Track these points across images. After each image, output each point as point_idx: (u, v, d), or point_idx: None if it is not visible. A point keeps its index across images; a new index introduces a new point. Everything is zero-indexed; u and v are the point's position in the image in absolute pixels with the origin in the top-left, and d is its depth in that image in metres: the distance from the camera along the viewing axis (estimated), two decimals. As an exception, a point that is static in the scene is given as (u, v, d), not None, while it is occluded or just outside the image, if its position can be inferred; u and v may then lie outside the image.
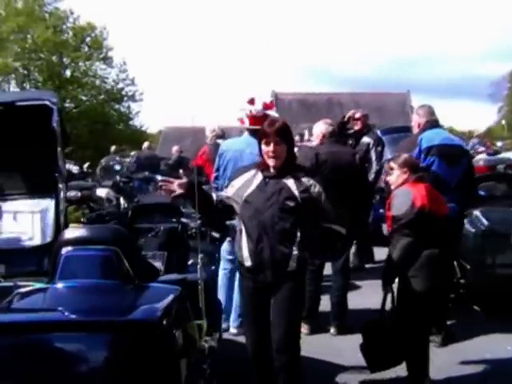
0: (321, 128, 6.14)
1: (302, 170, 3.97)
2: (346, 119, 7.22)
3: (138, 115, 36.16)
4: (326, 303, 6.12)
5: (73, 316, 2.43)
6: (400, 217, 4.34)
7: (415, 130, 5.88)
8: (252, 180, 3.91)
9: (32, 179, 5.16)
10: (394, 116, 27.01)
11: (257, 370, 3.99)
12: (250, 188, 3.88)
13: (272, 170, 3.84)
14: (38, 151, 4.91)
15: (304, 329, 5.93)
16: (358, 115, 7.50)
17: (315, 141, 6.30)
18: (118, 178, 11.55)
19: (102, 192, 10.25)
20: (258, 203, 3.80)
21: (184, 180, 3.93)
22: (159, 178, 11.55)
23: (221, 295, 6.00)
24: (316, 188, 3.84)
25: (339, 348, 5.27)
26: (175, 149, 13.94)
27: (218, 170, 5.98)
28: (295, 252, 3.79)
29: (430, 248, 4.39)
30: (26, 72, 31.87)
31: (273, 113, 5.99)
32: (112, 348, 2.39)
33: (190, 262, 4.71)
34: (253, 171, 3.97)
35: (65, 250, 2.77)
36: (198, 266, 3.04)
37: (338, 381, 4.81)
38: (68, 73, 33.47)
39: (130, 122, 36.05)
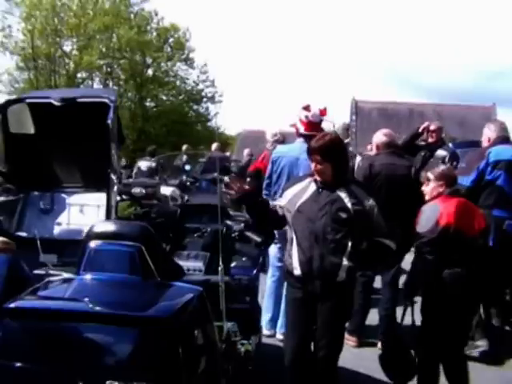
0: (376, 139, 6.12)
1: (356, 183, 4.02)
2: (420, 130, 7.16)
3: (216, 116, 36.74)
4: (374, 317, 6.13)
5: (89, 307, 2.53)
6: (423, 234, 4.26)
7: (484, 144, 5.88)
8: (306, 190, 3.98)
9: (87, 173, 5.38)
10: (478, 130, 26.00)
11: (291, 378, 4.04)
12: (303, 197, 3.95)
13: (328, 183, 3.90)
14: (93, 146, 5.10)
15: (352, 341, 5.93)
16: (433, 127, 7.36)
17: (373, 151, 6.29)
18: (184, 177, 11.80)
19: (166, 190, 10.43)
20: (310, 213, 3.86)
21: (247, 186, 4.00)
22: (227, 179, 11.74)
23: (269, 302, 6.06)
24: (369, 201, 3.87)
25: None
26: (246, 152, 14.08)
27: (270, 177, 6.03)
28: (345, 263, 3.82)
29: (454, 266, 4.32)
30: (109, 70, 32.88)
31: (326, 120, 6.03)
32: (124, 341, 2.47)
33: (232, 264, 4.77)
34: (307, 181, 4.04)
35: (91, 244, 2.89)
36: (220, 269, 3.06)
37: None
38: (150, 72, 34.23)
39: (208, 124, 36.57)
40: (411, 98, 71.87)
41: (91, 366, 2.44)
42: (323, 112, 5.95)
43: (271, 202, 4.28)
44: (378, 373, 5.11)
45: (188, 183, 11.63)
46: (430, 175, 4.52)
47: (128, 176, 13.24)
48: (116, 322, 2.46)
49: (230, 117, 41.00)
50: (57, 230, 5.51)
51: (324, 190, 3.90)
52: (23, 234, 5.23)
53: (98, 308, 2.53)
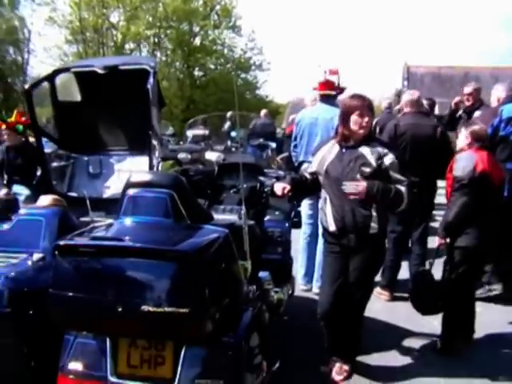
0: (403, 99, 6.43)
1: (376, 140, 4.38)
2: (453, 107, 7.48)
3: (264, 85, 36.89)
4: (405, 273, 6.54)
5: (126, 244, 2.97)
6: (462, 177, 4.72)
7: (494, 104, 6.38)
8: (330, 151, 4.39)
9: (130, 137, 5.81)
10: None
11: (326, 327, 4.46)
12: (328, 159, 4.34)
13: (351, 141, 4.26)
14: (135, 111, 5.52)
15: (384, 295, 6.31)
16: (468, 90, 7.55)
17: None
18: (229, 142, 12.16)
19: (212, 155, 10.82)
20: (336, 172, 4.25)
21: (288, 187, 4.42)
22: (273, 145, 12.11)
23: (303, 258, 6.47)
24: (389, 157, 4.21)
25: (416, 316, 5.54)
26: (291, 118, 14.40)
27: (295, 139, 6.48)
28: (374, 214, 4.20)
29: (485, 210, 4.78)
30: (156, 40, 33.28)
31: (336, 78, 6.39)
32: (156, 272, 2.90)
33: (266, 218, 5.18)
34: (330, 143, 4.46)
35: (129, 191, 3.35)
36: (242, 212, 3.46)
37: (407, 345, 5.24)
38: (197, 41, 34.46)
39: (257, 92, 36.73)
40: (467, 61, 70.06)
41: (129, 293, 2.88)
42: (334, 71, 6.35)
43: (302, 173, 4.71)
44: (409, 323, 5.52)
45: (233, 149, 11.97)
46: (464, 130, 4.91)
47: (177, 144, 13.73)
48: (149, 256, 2.88)
49: (279, 85, 41.12)
50: (104, 190, 5.99)
51: (347, 150, 4.29)
52: (73, 194, 5.72)
53: (133, 244, 2.97)
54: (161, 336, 3.07)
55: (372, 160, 4.19)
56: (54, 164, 6.94)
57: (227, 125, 15.05)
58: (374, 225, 4.18)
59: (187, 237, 3.15)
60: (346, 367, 4.56)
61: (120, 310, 2.85)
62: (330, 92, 6.45)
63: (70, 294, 2.95)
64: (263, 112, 16.01)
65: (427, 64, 31.70)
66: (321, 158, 4.46)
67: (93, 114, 5.93)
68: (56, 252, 3.02)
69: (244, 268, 3.44)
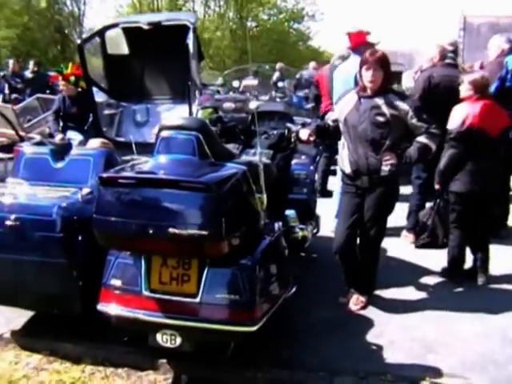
0: (433, 51, 6.67)
1: (392, 92, 4.77)
2: None
3: (317, 35, 36.71)
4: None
5: (157, 176, 3.49)
6: (450, 131, 5.10)
7: (493, 55, 6.71)
8: (350, 101, 4.82)
9: (173, 87, 6.27)
10: None
11: (341, 259, 4.91)
12: (348, 108, 4.78)
13: (368, 92, 4.68)
14: (177, 63, 5.97)
15: (410, 238, 6.70)
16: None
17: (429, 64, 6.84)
18: (273, 92, 12.53)
19: (252, 104, 11.22)
20: (353, 120, 4.70)
21: (311, 131, 4.93)
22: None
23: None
24: (403, 106, 4.60)
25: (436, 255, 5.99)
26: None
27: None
28: (387, 158, 4.62)
29: (476, 159, 5.14)
30: (209, -9, 33.37)
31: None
32: (182, 200, 3.40)
33: (293, 162, 5.63)
34: (351, 94, 4.89)
35: (162, 133, 3.87)
36: (258, 151, 3.93)
37: (424, 282, 5.68)
38: (250, -9, 34.43)
39: (309, 42, 36.62)
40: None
41: (158, 218, 3.41)
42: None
43: (326, 120, 5.11)
44: (429, 263, 5.96)
45: (278, 99, 12.34)
46: (465, 79, 5.21)
47: (227, 93, 14.13)
48: (176, 187, 3.38)
49: (333, 35, 40.53)
50: (148, 135, 6.50)
51: (364, 99, 4.71)
52: (121, 139, 6.26)
53: (163, 176, 3.49)
54: (185, 254, 3.59)
55: (386, 110, 4.61)
56: (105, 112, 7.53)
57: (276, 75, 15.39)
58: (384, 168, 4.62)
59: (209, 171, 3.64)
60: (362, 299, 5.04)
61: (151, 231, 3.38)
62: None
63: (111, 218, 3.48)
64: (311, 64, 16.23)
65: (485, 14, 30.67)
66: (341, 106, 4.92)
67: (139, 66, 6.40)
68: (99, 182, 3.57)
69: (261, 201, 3.89)
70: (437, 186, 5.53)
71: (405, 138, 4.73)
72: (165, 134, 3.85)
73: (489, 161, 5.25)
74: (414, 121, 4.62)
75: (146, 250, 3.64)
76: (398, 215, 6.68)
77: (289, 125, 5.45)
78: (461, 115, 5.19)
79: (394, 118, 4.60)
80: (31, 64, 13.83)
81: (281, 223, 4.88)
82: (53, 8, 31.45)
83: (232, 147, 5.21)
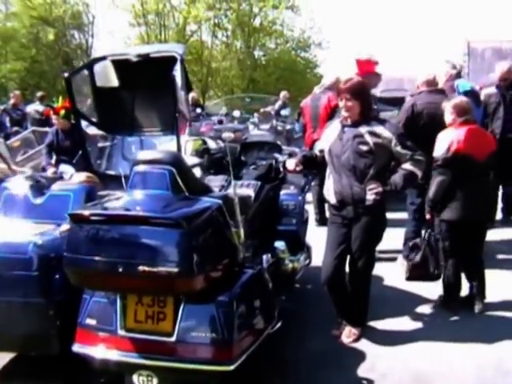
0: (420, 77, 6.60)
1: (376, 120, 4.66)
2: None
3: (324, 63, 36.79)
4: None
5: (126, 212, 3.40)
6: (437, 158, 5.01)
7: (442, 80, 6.91)
8: (334, 131, 4.75)
9: (162, 119, 6.19)
10: None
11: (329, 292, 4.78)
12: (332, 138, 4.71)
13: (349, 121, 4.59)
14: (166, 95, 5.88)
15: (406, 266, 6.50)
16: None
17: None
18: (274, 121, 12.48)
19: (227, 134, 11.13)
20: (337, 149, 4.62)
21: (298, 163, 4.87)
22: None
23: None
24: (386, 134, 4.50)
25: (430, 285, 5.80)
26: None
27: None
28: (371, 187, 4.51)
29: (465, 185, 5.04)
30: (216, 21, 33.67)
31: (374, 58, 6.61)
32: (152, 237, 3.31)
33: (281, 192, 5.52)
34: (335, 123, 4.82)
35: (135, 168, 3.78)
36: (232, 183, 3.82)
37: (419, 311, 5.52)
38: (257, 22, 34.65)
39: (317, 70, 36.68)
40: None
41: (128, 255, 3.30)
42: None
43: (313, 151, 5.03)
44: (424, 291, 5.79)
45: (279, 127, 12.28)
46: (447, 105, 5.12)
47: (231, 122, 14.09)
48: (146, 223, 3.30)
49: (339, 63, 40.59)
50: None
51: (347, 128, 4.62)
52: (111, 172, 6.18)
53: (132, 213, 3.39)
54: (157, 292, 3.48)
55: (368, 139, 4.50)
56: (100, 144, 7.47)
57: (278, 104, 15.37)
58: (369, 197, 4.50)
59: (181, 206, 3.54)
60: (355, 331, 4.88)
61: (121, 269, 3.27)
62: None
63: (81, 256, 3.39)
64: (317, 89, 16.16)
65: (488, 39, 30.63)
66: (326, 136, 4.83)
67: (128, 98, 6.33)
68: (70, 220, 3.47)
69: (238, 235, 3.78)
70: (427, 216, 5.40)
71: (390, 165, 4.61)
72: (138, 168, 3.76)
73: (478, 187, 5.14)
74: (399, 148, 4.51)
75: (117, 289, 3.55)
76: (396, 241, 6.65)
77: (276, 155, 5.36)
78: (446, 141, 5.11)
79: (378, 147, 4.50)
80: (37, 98, 13.87)
81: (269, 255, 4.82)
82: (61, 40, 31.77)
83: (220, 179, 5.15)
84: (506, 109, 7.71)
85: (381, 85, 9.72)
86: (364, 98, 4.62)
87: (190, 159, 5.62)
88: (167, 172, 3.68)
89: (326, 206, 5.59)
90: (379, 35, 65.42)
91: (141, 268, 3.24)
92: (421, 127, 6.21)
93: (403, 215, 6.93)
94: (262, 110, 13.53)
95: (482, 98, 7.75)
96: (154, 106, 6.23)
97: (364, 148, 4.49)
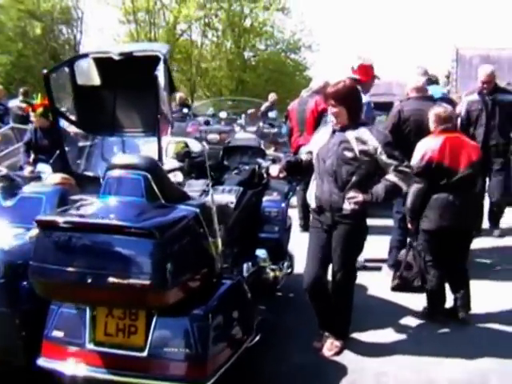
0: (409, 83, 6.47)
1: (365, 126, 4.47)
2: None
3: (314, 66, 36.73)
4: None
5: (95, 220, 3.21)
6: (412, 167, 4.81)
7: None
8: (325, 134, 4.59)
9: (144, 120, 6.00)
10: None
11: (311, 300, 4.60)
12: (322, 142, 4.54)
13: (338, 126, 4.42)
14: (148, 96, 5.69)
15: (391, 275, 6.35)
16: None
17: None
18: (261, 123, 12.28)
19: (241, 136, 10.92)
20: (323, 153, 4.45)
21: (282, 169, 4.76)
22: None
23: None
24: (372, 142, 4.32)
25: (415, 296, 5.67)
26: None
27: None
28: (350, 196, 4.33)
29: (443, 194, 4.98)
30: (207, 21, 33.51)
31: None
32: (123, 247, 3.13)
33: (264, 199, 5.34)
34: (327, 127, 4.66)
35: (109, 173, 3.58)
36: (210, 192, 3.64)
37: (403, 323, 5.37)
38: (247, 23, 34.57)
39: (306, 73, 36.66)
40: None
41: (98, 266, 3.11)
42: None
43: (298, 155, 4.90)
44: (410, 302, 5.63)
45: (265, 130, 12.08)
46: (429, 114, 5.03)
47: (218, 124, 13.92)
48: (116, 232, 3.11)
49: (329, 65, 40.45)
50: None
51: (337, 133, 4.45)
52: (89, 174, 5.98)
53: (101, 221, 3.19)
54: (127, 305, 3.29)
55: (354, 145, 4.32)
56: (81, 144, 7.26)
57: (265, 105, 15.21)
58: (346, 206, 4.33)
59: (156, 215, 3.36)
60: (337, 343, 4.69)
61: (90, 280, 3.07)
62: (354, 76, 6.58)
63: (47, 266, 3.19)
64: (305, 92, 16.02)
65: (477, 46, 30.79)
66: (317, 139, 4.67)
67: (110, 98, 6.14)
68: (37, 226, 3.27)
69: (215, 245, 3.60)
70: (409, 225, 5.31)
71: (375, 175, 4.44)
72: (112, 173, 3.56)
73: (459, 195, 5.01)
74: (384, 157, 4.34)
75: (85, 301, 3.35)
76: (381, 249, 6.54)
77: (259, 160, 5.19)
78: (420, 150, 5.05)
79: (363, 154, 4.33)
80: (20, 93, 13.54)
81: (250, 264, 4.68)
82: (48, 35, 31.41)
83: (201, 184, 4.98)
84: (488, 116, 7.60)
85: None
86: (350, 102, 4.44)
87: (171, 163, 5.43)
88: (142, 178, 3.48)
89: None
90: (369, 39, 65.74)
91: (111, 279, 3.06)
92: (407, 134, 6.10)
93: (389, 222, 6.79)
94: (249, 112, 13.34)
95: (464, 105, 7.64)
96: (135, 106, 6.04)
97: (348, 154, 4.32)
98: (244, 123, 12.22)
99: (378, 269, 6.59)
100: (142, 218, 3.26)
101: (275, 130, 12.41)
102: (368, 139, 4.34)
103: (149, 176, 3.49)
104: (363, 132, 4.38)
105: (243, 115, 13.78)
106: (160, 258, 3.10)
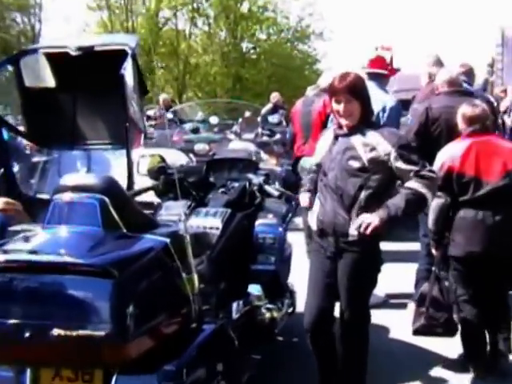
0: (439, 76, 6.41)
1: (375, 127, 4.37)
2: None
3: (325, 57, 36.66)
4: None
5: (34, 258, 3.08)
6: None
7: (425, 81, 6.99)
8: (327, 141, 4.49)
9: (111, 129, 5.93)
10: None
11: (312, 343, 4.52)
12: (324, 150, 4.46)
13: (344, 129, 4.32)
14: (115, 100, 5.63)
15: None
16: None
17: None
18: (259, 129, 12.20)
19: (237, 146, 10.76)
20: (326, 165, 4.35)
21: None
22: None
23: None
24: (384, 146, 4.17)
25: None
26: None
27: None
28: (360, 219, 4.20)
29: (472, 212, 4.89)
30: (196, 6, 33.61)
31: (388, 55, 6.43)
32: (70, 290, 3.03)
33: (257, 222, 5.26)
34: (329, 131, 4.58)
35: (56, 196, 3.49)
36: (182, 218, 3.56)
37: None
38: (244, 7, 34.64)
39: (317, 66, 36.58)
40: None
41: (38, 315, 3.00)
42: (388, 47, 6.47)
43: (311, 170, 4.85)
44: (444, 350, 5.56)
45: (264, 137, 12.01)
46: (459, 114, 4.97)
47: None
48: (62, 271, 3.01)
49: (344, 57, 40.36)
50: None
51: (340, 138, 4.35)
52: (42, 196, 5.89)
53: (42, 259, 3.09)
54: (78, 364, 3.19)
55: (362, 152, 4.20)
56: (35, 159, 7.19)
57: (266, 108, 15.17)
58: (352, 231, 4.22)
59: (114, 248, 3.26)
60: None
61: (28, 334, 2.98)
62: (378, 71, 6.54)
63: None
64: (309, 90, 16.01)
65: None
66: (319, 148, 4.60)
67: (68, 103, 6.08)
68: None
69: (191, 282, 3.52)
70: (433, 251, 5.22)
71: (389, 188, 4.34)
72: (60, 197, 3.48)
73: (491, 214, 4.89)
74: (399, 163, 4.17)
75: (24, 361, 3.21)
76: (407, 282, 6.50)
77: (250, 176, 5.12)
78: (439, 158, 4.99)
79: (374, 163, 4.19)
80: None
81: (241, 303, 4.65)
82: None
83: (181, 206, 4.89)
84: None
85: (393, 83, 9.55)
86: (365, 97, 4.34)
87: (142, 181, 5.37)
88: (98, 202, 3.38)
89: None
90: (394, 22, 65.86)
91: (56, 332, 2.95)
92: (437, 137, 6.01)
93: (416, 246, 6.75)
94: (246, 115, 13.30)
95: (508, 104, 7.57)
96: (100, 112, 5.97)
97: (355, 164, 4.19)
98: (239, 130, 12.16)
99: (403, 306, 6.51)
100: (96, 252, 3.15)
101: (277, 137, 12.34)
102: (378, 143, 4.19)
103: (106, 200, 3.38)
104: (372, 135, 4.24)
105: (240, 120, 13.74)
106: (119, 302, 2.99)
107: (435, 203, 4.90)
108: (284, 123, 14.22)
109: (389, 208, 4.12)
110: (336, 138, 4.40)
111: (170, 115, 14.31)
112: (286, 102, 17.55)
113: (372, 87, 6.28)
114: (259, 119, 13.62)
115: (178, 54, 33.88)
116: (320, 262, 4.51)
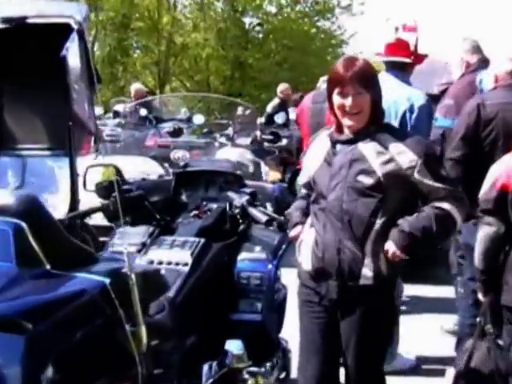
0: (496, 67, 6.40)
1: (388, 129, 4.35)
2: None
3: (355, 38, 36.66)
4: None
5: None
6: (480, 200, 4.86)
7: (458, 72, 7.03)
8: (320, 150, 4.41)
9: (49, 130, 5.95)
10: None
11: None
12: (317, 161, 4.38)
13: (347, 133, 4.27)
14: (56, 91, 5.62)
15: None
16: None
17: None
18: (258, 132, 12.20)
19: (230, 154, 10.73)
20: (323, 182, 4.28)
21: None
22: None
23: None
24: (406, 157, 4.12)
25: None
26: None
27: None
28: (370, 254, 4.18)
29: None
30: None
31: (413, 38, 6.43)
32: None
33: (241, 256, 5.23)
34: (322, 136, 4.49)
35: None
36: (125, 253, 3.52)
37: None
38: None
39: (343, 49, 36.59)
40: None
41: None
42: (409, 27, 6.48)
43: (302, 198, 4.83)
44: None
45: (265, 142, 12.01)
46: None
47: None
48: None
49: (378, 38, 40.27)
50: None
51: (341, 146, 4.28)
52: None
53: None
54: None
55: (375, 165, 4.14)
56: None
57: (272, 104, 15.21)
58: (367, 272, 4.16)
59: (28, 292, 3.21)
60: None
61: None
62: (400, 59, 6.52)
63: None
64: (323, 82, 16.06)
65: None
66: (309, 160, 4.54)
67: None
68: None
69: (137, 337, 3.48)
70: (481, 297, 5.16)
71: (412, 210, 4.28)
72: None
73: None
74: (427, 180, 4.14)
75: None
76: (443, 340, 6.50)
77: (231, 195, 5.11)
78: (493, 172, 4.94)
79: (392, 178, 4.14)
80: None
81: (215, 365, 4.61)
82: None
83: (141, 233, 5.02)
84: None
85: (433, 76, 9.55)
86: (378, 90, 4.32)
87: (89, 199, 5.36)
88: (11, 229, 3.34)
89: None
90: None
91: None
92: (491, 143, 6.04)
93: (450, 291, 6.79)
94: (240, 112, 13.33)
95: None
96: (35, 106, 6.01)
97: (367, 181, 4.12)
98: (232, 132, 12.19)
99: (441, 373, 6.36)
100: (4, 297, 3.10)
101: (283, 142, 12.36)
102: (399, 152, 4.15)
103: (24, 225, 3.34)
104: (387, 141, 4.19)
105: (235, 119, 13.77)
106: (32, 365, 2.94)
107: (484, 233, 4.89)
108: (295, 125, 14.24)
109: (412, 234, 4.10)
110: (334, 145, 4.34)
111: (143, 111, 14.34)
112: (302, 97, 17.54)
113: (392, 81, 6.28)
114: (262, 119, 13.65)
115: (160, 30, 33.88)
116: (314, 316, 4.48)
